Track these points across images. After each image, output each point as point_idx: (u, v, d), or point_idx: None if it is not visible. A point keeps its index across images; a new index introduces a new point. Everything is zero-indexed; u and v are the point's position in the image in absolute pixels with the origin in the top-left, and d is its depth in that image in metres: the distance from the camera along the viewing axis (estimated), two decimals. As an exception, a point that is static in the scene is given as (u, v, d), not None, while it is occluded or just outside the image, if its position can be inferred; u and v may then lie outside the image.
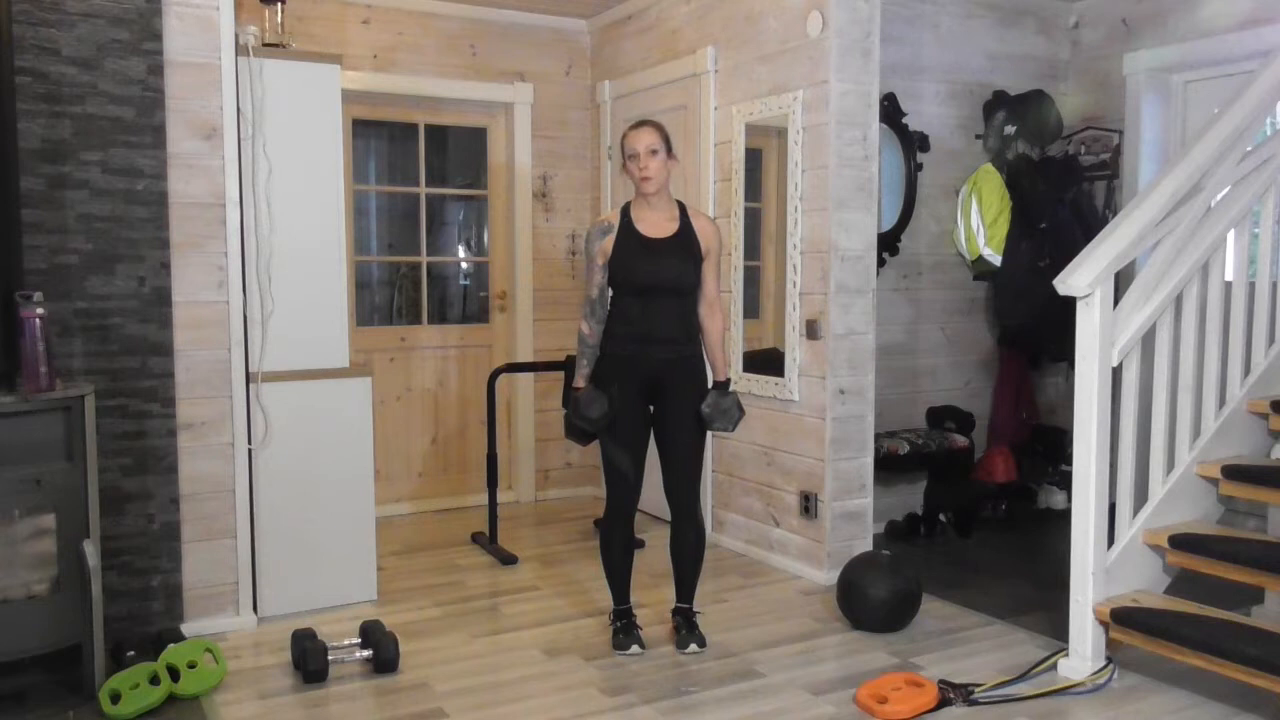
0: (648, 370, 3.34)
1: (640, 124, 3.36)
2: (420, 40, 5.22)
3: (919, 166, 5.01)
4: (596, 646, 3.48)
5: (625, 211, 3.39)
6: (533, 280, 5.60)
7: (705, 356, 3.47)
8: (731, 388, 3.42)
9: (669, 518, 3.50)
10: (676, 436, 3.39)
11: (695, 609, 3.55)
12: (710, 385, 3.41)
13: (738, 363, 4.59)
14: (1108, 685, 3.11)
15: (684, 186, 4.88)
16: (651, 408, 3.40)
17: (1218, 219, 3.33)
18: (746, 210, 4.57)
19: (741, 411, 3.40)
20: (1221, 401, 3.44)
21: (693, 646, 3.41)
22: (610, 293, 3.39)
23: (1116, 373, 3.14)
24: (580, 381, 3.41)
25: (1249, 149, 3.38)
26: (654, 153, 3.28)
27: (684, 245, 3.35)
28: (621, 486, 3.40)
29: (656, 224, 3.35)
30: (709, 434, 3.54)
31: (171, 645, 3.16)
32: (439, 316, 5.74)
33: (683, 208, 3.41)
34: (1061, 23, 5.35)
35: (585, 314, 3.39)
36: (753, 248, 4.61)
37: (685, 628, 3.48)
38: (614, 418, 3.33)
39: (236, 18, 3.62)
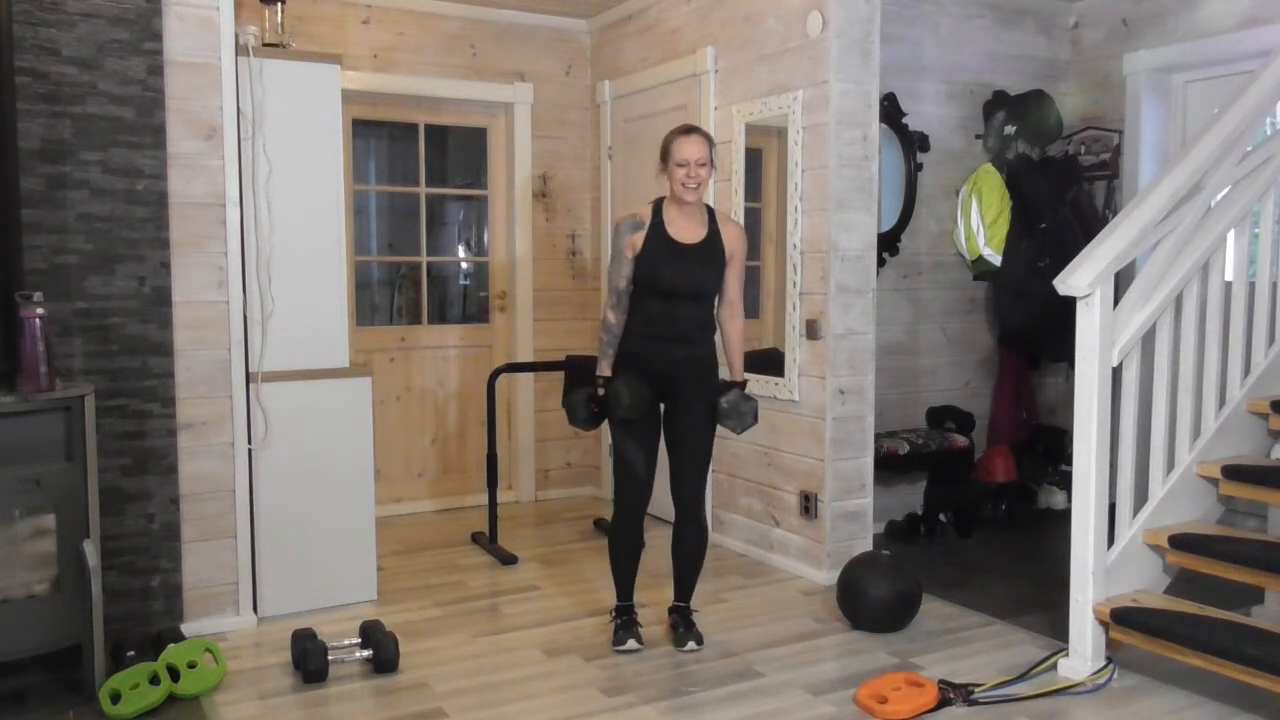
0: (661, 368, 3.35)
1: (690, 131, 3.32)
2: (420, 40, 5.22)
3: (919, 166, 5.01)
4: (597, 646, 3.48)
5: (657, 210, 3.38)
6: (533, 280, 5.60)
7: (720, 356, 3.48)
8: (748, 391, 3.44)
9: (671, 517, 3.51)
10: (687, 434, 3.40)
11: (692, 608, 3.55)
12: (729, 383, 3.43)
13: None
14: (1108, 685, 3.11)
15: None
16: (662, 406, 3.41)
17: (1218, 219, 3.33)
18: (746, 210, 4.57)
19: (755, 420, 3.42)
20: (1221, 401, 3.44)
21: (690, 644, 3.42)
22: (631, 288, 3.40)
23: (1116, 373, 3.14)
24: (606, 369, 3.41)
25: (1249, 149, 3.38)
26: (703, 165, 3.28)
27: (711, 252, 3.36)
28: (633, 483, 3.39)
29: (687, 228, 3.35)
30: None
31: (171, 645, 3.16)
32: (439, 316, 5.74)
33: (711, 213, 3.42)
34: (1061, 23, 5.35)
35: (611, 304, 3.39)
36: (753, 248, 4.59)
37: (683, 625, 3.48)
38: (629, 416, 3.34)
39: (236, 18, 3.62)
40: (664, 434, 3.43)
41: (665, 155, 3.34)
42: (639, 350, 3.36)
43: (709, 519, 4.74)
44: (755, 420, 3.42)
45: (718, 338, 3.50)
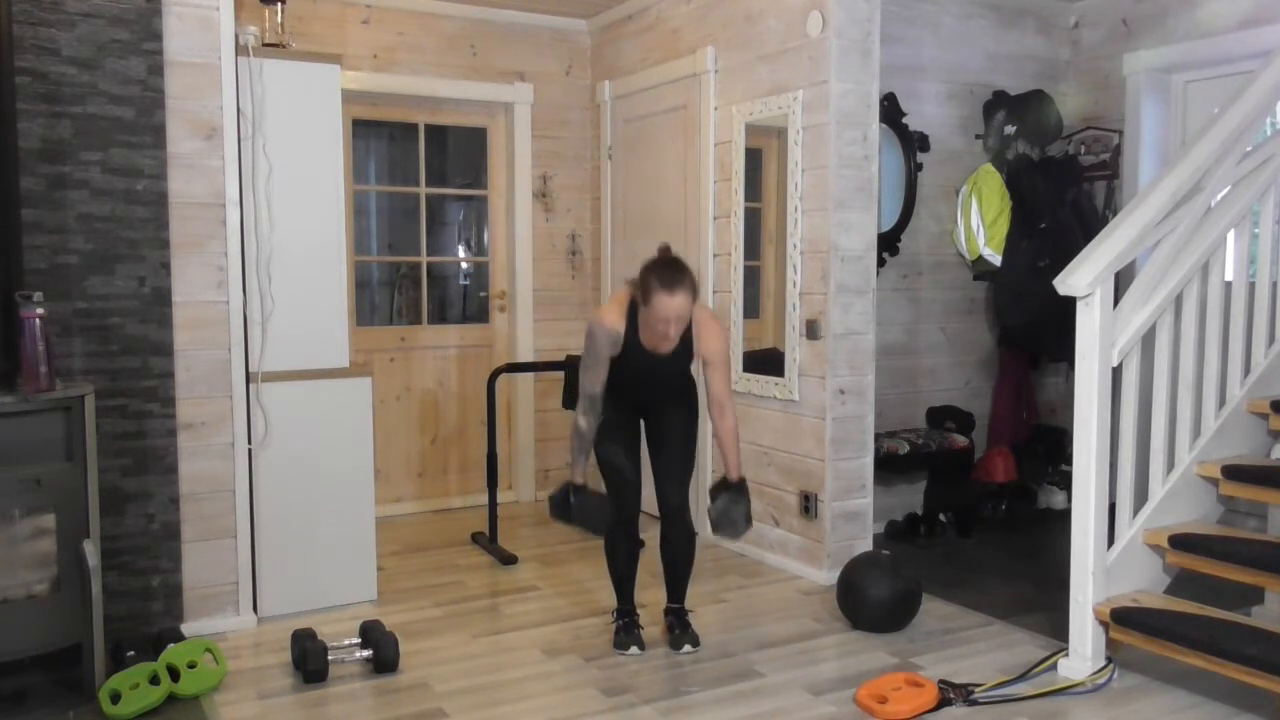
0: (639, 405, 3.43)
1: (674, 288, 3.07)
2: (420, 40, 5.22)
3: (919, 166, 5.01)
4: (596, 646, 3.48)
5: (631, 319, 3.24)
6: (533, 280, 5.60)
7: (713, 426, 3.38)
8: (751, 494, 3.40)
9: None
10: (668, 439, 3.41)
11: (687, 608, 3.55)
12: (723, 483, 3.37)
13: (738, 363, 4.58)
14: (1108, 685, 3.11)
15: (684, 187, 4.89)
16: (643, 421, 3.46)
17: (1218, 219, 3.33)
18: (746, 210, 4.57)
19: (749, 523, 3.35)
20: (1221, 401, 3.44)
21: (687, 646, 3.43)
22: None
23: (1116, 373, 3.14)
24: (579, 477, 3.40)
25: (1249, 149, 3.38)
26: (681, 320, 3.13)
27: (684, 348, 3.27)
28: (623, 488, 3.41)
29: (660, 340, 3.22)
30: (705, 443, 3.53)
31: (171, 645, 3.15)
32: (439, 316, 5.74)
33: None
34: (1061, 23, 5.35)
35: (584, 409, 3.30)
36: (753, 248, 4.61)
37: (679, 627, 3.48)
38: (609, 421, 3.36)
39: (236, 18, 3.62)
40: (645, 441, 3.45)
41: (646, 295, 3.12)
42: (614, 419, 3.37)
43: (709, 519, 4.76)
44: (749, 524, 3.35)
45: (693, 367, 3.40)
